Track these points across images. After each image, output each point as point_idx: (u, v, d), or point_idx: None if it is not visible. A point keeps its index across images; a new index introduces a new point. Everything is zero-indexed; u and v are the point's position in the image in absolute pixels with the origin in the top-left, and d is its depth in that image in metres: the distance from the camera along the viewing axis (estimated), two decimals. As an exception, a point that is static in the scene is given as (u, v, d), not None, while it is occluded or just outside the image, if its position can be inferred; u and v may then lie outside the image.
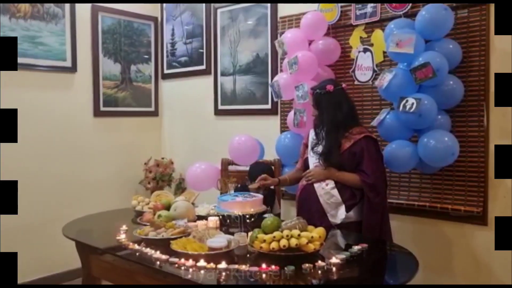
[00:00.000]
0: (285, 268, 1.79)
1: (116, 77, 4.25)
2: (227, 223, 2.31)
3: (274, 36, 3.66)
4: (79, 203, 3.94)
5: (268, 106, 3.75)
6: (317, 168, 2.59)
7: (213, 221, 2.44)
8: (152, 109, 4.54)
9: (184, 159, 4.40)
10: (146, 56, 4.47)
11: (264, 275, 1.77)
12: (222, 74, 4.05)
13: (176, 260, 1.90)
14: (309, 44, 3.26)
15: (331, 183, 2.54)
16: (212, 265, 1.83)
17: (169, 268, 1.89)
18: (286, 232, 1.91)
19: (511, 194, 2.68)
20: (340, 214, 2.51)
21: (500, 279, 2.72)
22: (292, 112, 3.23)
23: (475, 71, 2.75)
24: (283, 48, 3.20)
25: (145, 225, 2.44)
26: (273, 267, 1.79)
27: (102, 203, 4.02)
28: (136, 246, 2.10)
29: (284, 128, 3.63)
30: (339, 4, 3.24)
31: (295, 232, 1.91)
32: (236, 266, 1.81)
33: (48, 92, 3.83)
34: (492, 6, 2.68)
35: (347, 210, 2.50)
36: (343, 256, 1.91)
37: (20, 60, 3.59)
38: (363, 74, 3.21)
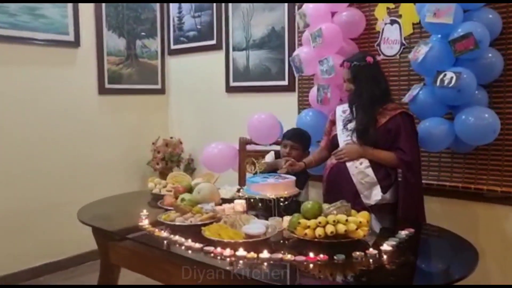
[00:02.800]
0: (335, 257, 1.63)
1: (121, 52, 4.01)
2: (259, 207, 2.13)
3: (291, 8, 3.44)
4: (84, 185, 3.77)
5: (285, 83, 3.55)
6: (350, 146, 2.42)
7: (240, 204, 2.27)
8: (159, 86, 4.32)
9: (193, 138, 4.21)
10: (152, 31, 4.22)
11: (311, 265, 1.61)
12: (234, 49, 3.84)
13: (211, 249, 1.73)
14: (332, 16, 3.06)
15: (365, 162, 2.38)
16: (253, 254, 1.67)
17: (204, 258, 1.72)
18: (332, 217, 1.75)
19: (551, 174, 2.54)
20: (375, 195, 2.35)
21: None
22: (314, 88, 3.04)
23: None
24: (305, 20, 3.00)
25: (168, 209, 2.27)
26: (321, 256, 1.63)
27: (109, 185, 3.86)
28: (164, 233, 1.93)
29: (302, 105, 3.45)
30: (365, -27, 3.03)
31: (342, 217, 1.75)
32: (280, 256, 1.65)
33: (49, 68, 3.60)
34: (535, -27, 2.50)
35: (383, 191, 2.35)
36: (393, 242, 1.76)
37: (18, 33, 3.35)
38: (389, 48, 3.02)
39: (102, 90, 3.89)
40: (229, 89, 3.92)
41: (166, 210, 2.28)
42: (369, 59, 2.40)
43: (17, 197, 3.44)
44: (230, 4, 3.83)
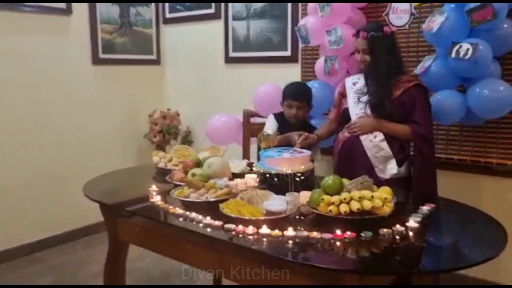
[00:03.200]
0: (362, 234, 1.59)
1: (115, 20, 3.85)
2: (274, 182, 2.06)
3: (295, -25, 3.32)
4: (78, 158, 3.68)
5: (288, 53, 3.45)
6: (364, 119, 2.37)
7: (253, 179, 2.21)
8: (154, 57, 4.17)
9: (191, 110, 4.11)
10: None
11: (338, 243, 1.57)
12: (234, 19, 3.70)
13: (232, 226, 1.67)
14: (339, -17, 2.94)
15: (379, 135, 2.33)
16: (277, 232, 1.61)
17: (224, 236, 1.65)
18: (357, 194, 1.70)
19: (561, 147, 2.53)
20: (390, 169, 2.32)
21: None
22: (321, 60, 2.95)
23: (528, 12, 2.51)
24: (313, -13, 2.89)
25: (178, 184, 2.19)
26: (348, 233, 1.59)
27: (104, 158, 3.78)
28: (179, 210, 1.86)
29: (306, 76, 3.37)
30: None
31: (368, 193, 1.70)
32: (306, 233, 1.60)
33: (40, 37, 3.43)
34: None
35: (399, 165, 2.31)
36: (417, 218, 1.73)
37: (6, -1, 3.17)
38: (399, 18, 2.93)
39: (96, 60, 3.74)
40: (229, 60, 3.80)
41: (176, 185, 2.20)
42: (387, 29, 2.33)
43: (8, 171, 3.32)
44: (229, -29, 3.68)
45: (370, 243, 1.56)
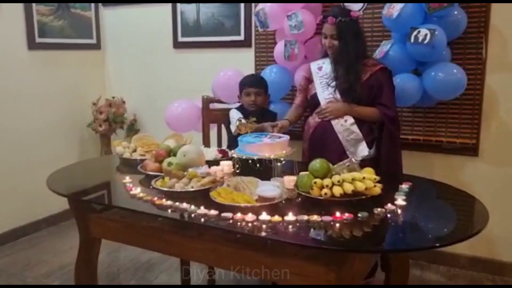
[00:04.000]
0: (359, 215, 1.64)
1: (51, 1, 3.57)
2: (256, 168, 2.05)
3: (248, -42, 3.28)
4: (16, 152, 3.40)
5: (241, 38, 3.42)
6: (334, 104, 2.42)
7: (228, 166, 2.18)
8: (94, 41, 3.93)
9: (136, 98, 3.94)
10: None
11: (338, 224, 1.60)
12: (183, 2, 3.59)
13: (230, 215, 1.64)
14: (296, -32, 2.95)
15: (350, 119, 2.40)
16: (277, 218, 1.61)
17: (222, 224, 1.62)
18: (349, 176, 1.74)
19: (503, 124, 2.76)
20: (361, 151, 2.40)
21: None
22: (280, 44, 2.96)
23: (477, 2, 2.69)
24: (271, -29, 2.87)
25: (153, 175, 2.11)
26: (346, 214, 1.63)
27: (44, 149, 3.57)
28: (167, 202, 1.79)
29: (260, 61, 3.36)
30: None
31: (358, 175, 1.75)
32: (306, 217, 1.61)
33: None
34: None
35: (369, 147, 2.39)
36: (403, 196, 1.81)
37: None
38: (352, 3, 3.00)
39: (32, 45, 3.46)
40: (178, 45, 3.68)
41: (151, 176, 2.11)
42: (354, 14, 2.37)
43: None
44: (176, -49, 3.54)
45: (369, 223, 1.61)
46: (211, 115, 2.98)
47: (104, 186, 2.19)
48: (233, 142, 2.80)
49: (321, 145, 2.43)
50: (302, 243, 1.49)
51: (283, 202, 1.77)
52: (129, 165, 2.39)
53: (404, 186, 1.93)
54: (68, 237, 3.45)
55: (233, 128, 2.71)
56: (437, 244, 1.49)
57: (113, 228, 2.01)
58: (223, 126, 3.01)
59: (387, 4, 2.61)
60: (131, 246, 2.14)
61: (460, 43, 2.74)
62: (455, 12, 2.60)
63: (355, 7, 2.93)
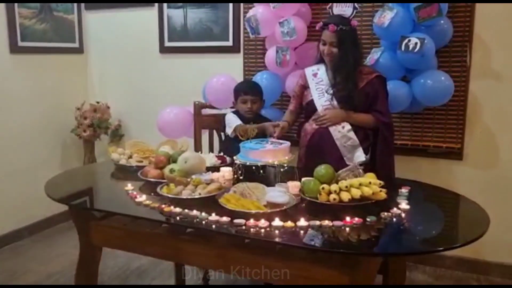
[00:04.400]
0: (368, 219, 1.68)
1: (34, 4, 3.48)
2: (260, 174, 2.08)
3: (237, -36, 3.30)
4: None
5: (229, 43, 3.43)
6: (332, 111, 2.46)
7: (228, 172, 2.19)
8: (76, 45, 3.86)
9: (120, 103, 3.89)
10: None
11: (348, 229, 1.64)
12: (170, 7, 3.57)
13: (242, 221, 1.65)
14: (287, -24, 3.00)
15: (347, 126, 2.45)
16: (290, 223, 1.64)
17: (235, 230, 1.64)
18: (356, 181, 1.79)
19: (486, 129, 2.88)
20: (358, 157, 2.45)
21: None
22: (272, 50, 2.99)
23: (461, 12, 2.80)
24: (263, -21, 2.90)
25: (154, 182, 2.10)
26: (356, 219, 1.67)
27: (27, 155, 3.49)
28: (176, 209, 1.78)
29: (249, 67, 3.39)
30: None
31: (365, 180, 1.80)
32: (318, 222, 1.64)
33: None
34: None
35: (365, 152, 2.45)
36: (405, 200, 1.87)
37: None
38: (342, 11, 3.04)
39: (15, 49, 3.37)
40: (164, 50, 3.66)
41: (151, 183, 2.10)
42: (354, 22, 2.43)
43: None
44: (163, -44, 3.53)
45: (378, 227, 1.66)
46: (203, 120, 2.98)
47: (105, 193, 2.16)
48: (226, 147, 2.82)
49: (319, 151, 2.47)
50: (325, 249, 1.53)
51: (293, 207, 1.80)
52: (126, 172, 2.37)
53: (404, 190, 1.99)
54: (52, 245, 3.37)
55: (229, 130, 2.72)
56: (450, 247, 1.55)
57: (116, 235, 1.99)
58: (215, 131, 3.02)
59: (378, 13, 2.69)
60: (119, 253, 2.12)
61: (446, 51, 2.84)
62: (442, 22, 2.70)
63: (346, 13, 3.02)
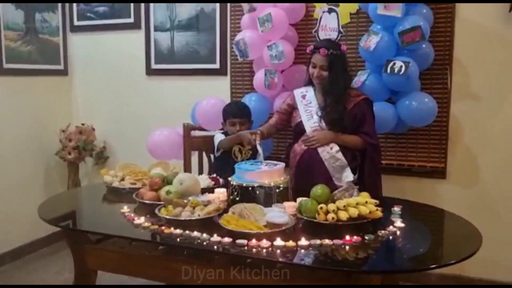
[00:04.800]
0: (366, 237, 1.72)
1: (19, 26, 3.47)
2: (256, 195, 2.10)
3: (224, -11, 3.38)
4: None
5: (216, 66, 3.48)
6: (321, 132, 2.52)
7: (223, 193, 2.22)
8: (61, 67, 3.85)
9: (105, 125, 3.87)
10: (52, 3, 3.73)
11: (347, 247, 1.68)
12: (157, 30, 3.61)
13: (244, 241, 1.67)
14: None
15: (335, 147, 2.51)
16: (291, 243, 1.67)
17: (237, 250, 1.66)
18: (353, 201, 1.83)
19: (467, 149, 2.99)
20: (346, 177, 2.50)
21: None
22: (260, 73, 3.05)
23: (442, 37, 2.93)
24: (251, 4, 2.97)
25: (149, 204, 2.10)
26: (355, 237, 1.71)
27: (9, 180, 3.40)
28: (176, 230, 1.79)
29: (236, 89, 3.43)
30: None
31: (361, 199, 1.85)
32: (318, 241, 1.68)
33: None
34: (458, -24, 2.87)
35: (353, 172, 2.51)
36: (399, 219, 1.92)
37: None
38: (327, 35, 3.17)
39: (0, 71, 3.33)
40: (151, 72, 3.69)
41: (147, 205, 2.11)
42: (343, 47, 2.52)
43: None
44: (150, -20, 3.58)
45: (376, 245, 1.70)
46: (193, 142, 3.00)
47: (101, 216, 2.15)
48: (216, 168, 2.84)
49: (308, 172, 2.51)
50: (330, 268, 1.56)
51: (292, 227, 1.83)
52: (119, 194, 2.36)
53: (397, 209, 2.05)
54: (36, 271, 3.29)
55: (215, 150, 2.75)
56: (449, 262, 1.60)
57: (112, 259, 1.98)
58: (204, 153, 3.04)
59: (364, 37, 2.78)
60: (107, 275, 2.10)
61: (428, 74, 2.95)
62: (424, 46, 2.81)
63: (332, 36, 3.12)
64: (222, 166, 2.72)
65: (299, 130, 2.63)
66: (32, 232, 3.49)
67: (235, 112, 2.81)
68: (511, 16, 2.76)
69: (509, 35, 2.81)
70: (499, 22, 2.82)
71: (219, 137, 2.80)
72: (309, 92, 2.67)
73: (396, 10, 2.66)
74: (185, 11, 3.51)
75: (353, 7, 3.08)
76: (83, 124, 3.76)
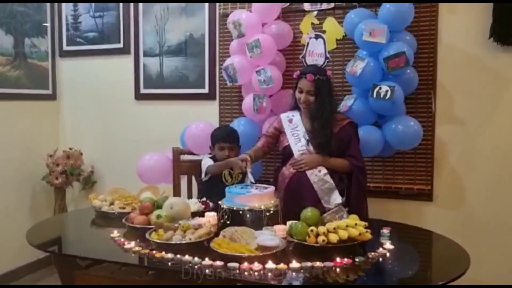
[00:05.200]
0: (356, 259, 1.74)
1: (8, 51, 3.49)
2: (246, 218, 2.12)
3: (213, 16, 3.44)
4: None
5: (205, 90, 3.52)
6: (309, 156, 2.55)
7: (213, 217, 2.23)
8: (49, 91, 3.85)
9: (93, 149, 3.87)
10: (42, 29, 3.76)
11: (338, 269, 1.69)
12: (146, 55, 3.65)
13: (236, 265, 1.68)
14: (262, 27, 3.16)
15: (323, 170, 2.53)
16: (283, 265, 1.67)
17: (229, 274, 1.66)
18: (343, 223, 1.86)
19: (453, 171, 3.04)
20: (334, 199, 2.52)
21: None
22: (249, 98, 3.09)
23: (425, 62, 3.01)
24: (240, 30, 3.03)
25: (139, 228, 2.10)
26: (345, 259, 1.73)
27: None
28: (167, 255, 1.79)
29: (224, 113, 3.47)
30: (292, -11, 3.21)
31: (351, 221, 1.87)
32: (309, 264, 1.69)
33: None
34: (441, 4, 2.97)
35: (341, 195, 2.53)
36: (388, 240, 1.94)
37: None
38: (314, 60, 3.24)
39: (-12, 95, 3.34)
40: (139, 96, 3.71)
41: (137, 229, 2.10)
42: (329, 73, 2.58)
43: None
44: (140, 6, 3.64)
45: (367, 267, 1.72)
46: (182, 166, 3.01)
47: (90, 241, 2.13)
48: (204, 192, 2.84)
49: (297, 195, 2.53)
50: None
51: (282, 250, 1.83)
52: (108, 219, 2.35)
53: (386, 231, 2.07)
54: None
55: (203, 174, 2.77)
56: (439, 284, 1.62)
57: (102, 284, 1.95)
58: (193, 177, 3.04)
59: (350, 63, 2.85)
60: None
61: (412, 98, 3.02)
62: (408, 71, 2.88)
63: (319, 62, 3.18)
64: (210, 190, 2.73)
65: (287, 153, 2.66)
66: (18, 258, 3.44)
67: (225, 137, 2.82)
68: (491, 43, 2.86)
69: (489, 60, 2.90)
70: (480, 48, 2.91)
71: (207, 162, 2.80)
72: (295, 116, 2.71)
73: (380, 37, 2.74)
74: (174, 36, 3.56)
75: (339, 33, 3.16)
76: (70, 149, 3.74)
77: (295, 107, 2.74)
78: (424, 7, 2.99)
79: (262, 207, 2.09)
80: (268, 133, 2.82)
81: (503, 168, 2.93)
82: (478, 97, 2.95)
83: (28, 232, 2.10)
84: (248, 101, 3.09)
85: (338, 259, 1.71)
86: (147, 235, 1.95)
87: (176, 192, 2.99)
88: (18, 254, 3.35)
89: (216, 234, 1.97)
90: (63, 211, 3.71)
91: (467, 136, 2.99)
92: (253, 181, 2.35)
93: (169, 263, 1.76)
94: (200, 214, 2.31)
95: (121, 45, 3.70)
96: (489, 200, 2.97)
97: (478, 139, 2.97)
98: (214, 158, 2.84)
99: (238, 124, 3.13)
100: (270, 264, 1.67)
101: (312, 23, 3.23)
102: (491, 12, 2.83)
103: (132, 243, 1.91)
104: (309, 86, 2.54)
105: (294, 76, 2.65)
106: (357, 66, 2.81)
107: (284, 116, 2.76)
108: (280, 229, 2.01)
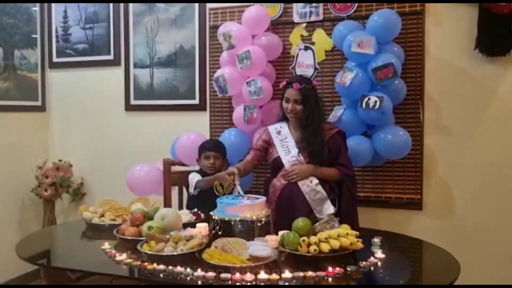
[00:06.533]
0: (348, 268, 1.75)
1: (-2, 63, 3.48)
2: (238, 229, 2.12)
3: (203, 28, 3.47)
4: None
5: (195, 101, 3.53)
6: (300, 166, 2.57)
7: (204, 228, 2.23)
8: (39, 103, 3.84)
9: (82, 161, 3.85)
10: (31, 40, 3.75)
11: (330, 279, 1.70)
12: (136, 66, 3.66)
13: (228, 276, 1.68)
14: (252, 38, 3.19)
15: (314, 180, 2.55)
16: (275, 276, 1.68)
17: (222, 285, 1.66)
18: (335, 232, 1.87)
19: (441, 180, 3.08)
20: (326, 209, 2.53)
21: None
22: (239, 109, 3.11)
23: (413, 73, 3.06)
24: (230, 41, 3.06)
25: (130, 240, 2.09)
26: (337, 269, 1.73)
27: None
28: (159, 266, 1.78)
29: (215, 124, 3.48)
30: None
31: (342, 231, 1.88)
32: (302, 274, 1.69)
33: None
34: (427, 16, 3.03)
35: (333, 204, 2.54)
36: (379, 250, 1.96)
37: None
38: (304, 72, 3.26)
39: (-23, 107, 3.32)
40: (130, 108, 3.71)
41: (128, 241, 2.09)
42: (315, 82, 2.62)
43: None
44: (130, 18, 3.65)
45: (359, 276, 1.73)
46: (172, 177, 3.01)
47: (81, 253, 2.12)
48: (192, 204, 2.82)
49: (289, 206, 2.53)
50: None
51: (274, 260, 1.84)
52: (99, 231, 2.34)
53: (377, 240, 2.09)
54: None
55: (192, 189, 2.78)
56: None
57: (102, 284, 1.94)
58: (184, 188, 3.04)
59: (339, 73, 2.89)
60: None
61: (401, 108, 3.06)
62: (396, 82, 2.93)
63: (308, 73, 3.22)
64: (199, 201, 2.73)
65: (277, 165, 2.67)
66: (5, 272, 3.39)
67: (210, 147, 2.87)
68: (476, 53, 2.91)
69: (474, 71, 2.96)
70: (466, 59, 2.97)
71: (195, 176, 2.82)
72: (284, 127, 2.72)
73: (369, 48, 2.78)
74: (164, 48, 3.58)
75: (329, 44, 3.20)
76: (60, 161, 3.72)
77: (283, 118, 2.76)
78: (411, 19, 3.04)
79: (254, 217, 2.09)
80: (256, 146, 2.83)
81: (489, 177, 2.97)
82: (465, 107, 3.00)
83: (18, 245, 2.08)
84: (238, 112, 3.11)
85: (330, 269, 1.72)
86: (138, 247, 1.95)
87: (167, 203, 2.98)
88: (6, 268, 3.31)
89: (208, 245, 1.97)
90: (52, 224, 3.68)
91: (454, 145, 3.03)
92: (242, 193, 2.36)
93: (161, 275, 1.75)
94: (192, 225, 2.31)
95: (111, 57, 3.70)
96: (478, 208, 3.00)
97: (465, 149, 3.01)
98: (200, 172, 2.85)
99: (228, 135, 3.15)
100: (262, 275, 1.67)
101: (302, 35, 3.26)
102: (476, 24, 2.89)
103: (123, 255, 1.90)
104: (295, 95, 2.56)
105: (281, 86, 2.68)
106: (346, 77, 2.84)
107: (272, 128, 2.77)
108: (272, 239, 2.02)
